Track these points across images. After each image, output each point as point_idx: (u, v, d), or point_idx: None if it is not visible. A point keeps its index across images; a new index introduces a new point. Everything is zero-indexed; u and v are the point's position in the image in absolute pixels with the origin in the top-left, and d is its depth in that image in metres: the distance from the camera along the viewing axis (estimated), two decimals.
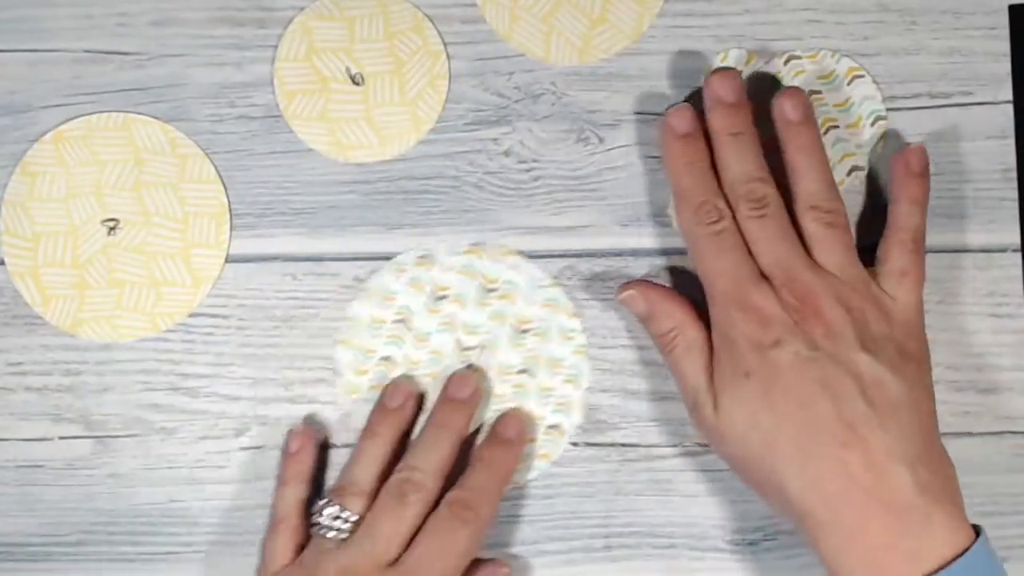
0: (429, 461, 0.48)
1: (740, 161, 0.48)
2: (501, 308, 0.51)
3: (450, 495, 0.48)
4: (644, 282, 0.50)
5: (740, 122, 0.48)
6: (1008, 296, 0.51)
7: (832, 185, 0.48)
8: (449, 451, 0.49)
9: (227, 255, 0.52)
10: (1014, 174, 0.51)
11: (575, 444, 0.51)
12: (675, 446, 0.51)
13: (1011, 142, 0.52)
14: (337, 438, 0.51)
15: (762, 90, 0.51)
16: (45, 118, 0.52)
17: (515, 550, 0.51)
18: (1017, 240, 0.51)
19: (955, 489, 0.45)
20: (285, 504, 0.49)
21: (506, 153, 0.52)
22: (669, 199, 0.51)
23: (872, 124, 0.51)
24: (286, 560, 0.48)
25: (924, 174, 0.48)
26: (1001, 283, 0.51)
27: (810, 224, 0.47)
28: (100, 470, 0.51)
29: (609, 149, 0.52)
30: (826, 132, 0.51)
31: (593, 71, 0.52)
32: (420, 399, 0.51)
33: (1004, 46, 0.52)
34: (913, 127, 0.52)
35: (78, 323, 0.51)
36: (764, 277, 0.46)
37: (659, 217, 0.52)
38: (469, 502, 0.47)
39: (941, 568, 0.42)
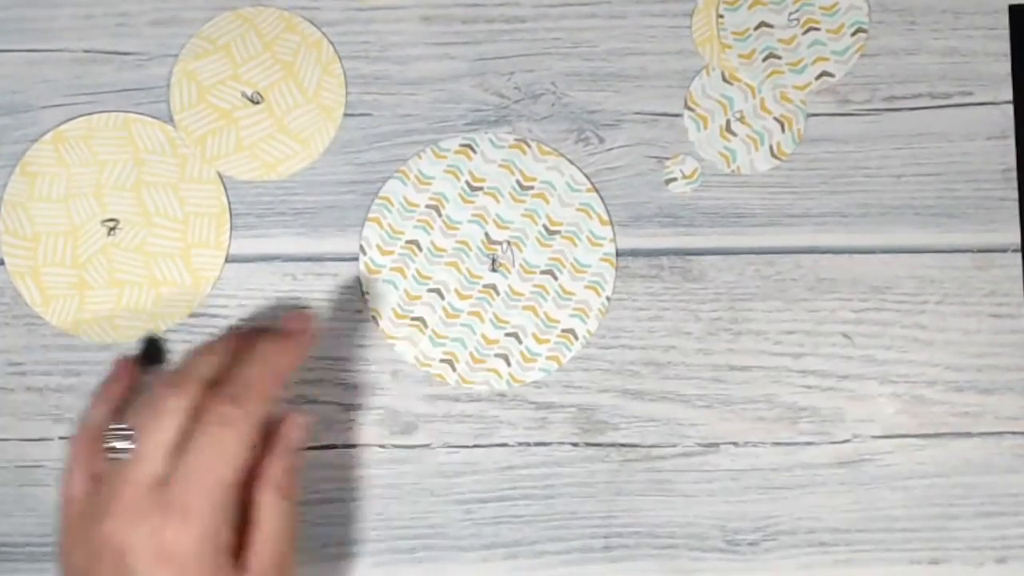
0: (248, 377, 0.45)
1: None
2: (535, 206, 0.51)
3: (214, 391, 0.44)
4: None
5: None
6: (1008, 296, 0.51)
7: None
8: (269, 380, 0.45)
9: (227, 255, 0.52)
10: (1014, 174, 0.51)
11: (575, 444, 0.51)
12: (675, 446, 0.51)
13: (1011, 142, 0.52)
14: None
15: None
16: (45, 118, 0.52)
17: (515, 550, 0.51)
18: (1017, 240, 0.51)
19: None
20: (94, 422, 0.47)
21: None
22: None
23: (852, 34, 0.52)
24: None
25: None
26: (1001, 283, 0.51)
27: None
28: None
29: (609, 149, 0.52)
30: (806, 32, 0.51)
31: (593, 71, 0.52)
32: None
33: (1004, 46, 0.52)
34: (913, 127, 0.52)
35: (78, 323, 0.51)
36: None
37: (659, 218, 0.52)
38: (235, 397, 0.43)
39: None
